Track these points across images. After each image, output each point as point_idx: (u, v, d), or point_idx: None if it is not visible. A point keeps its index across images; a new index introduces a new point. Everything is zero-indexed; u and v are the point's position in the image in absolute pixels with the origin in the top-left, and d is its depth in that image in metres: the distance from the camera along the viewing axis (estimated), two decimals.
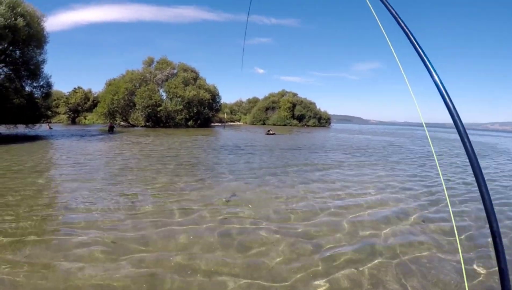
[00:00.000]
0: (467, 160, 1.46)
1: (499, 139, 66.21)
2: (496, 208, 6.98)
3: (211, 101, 63.38)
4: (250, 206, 8.25)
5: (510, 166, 19.83)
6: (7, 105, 27.78)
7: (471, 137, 1.44)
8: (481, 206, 1.36)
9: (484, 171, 1.39)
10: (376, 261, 5.43)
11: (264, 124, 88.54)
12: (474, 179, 1.41)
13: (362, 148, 27.12)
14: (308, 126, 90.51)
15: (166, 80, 60.05)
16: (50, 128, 44.19)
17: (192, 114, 58.19)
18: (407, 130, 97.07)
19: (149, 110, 55.92)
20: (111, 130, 40.42)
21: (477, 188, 1.38)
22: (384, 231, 6.95)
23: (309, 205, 8.62)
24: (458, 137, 1.51)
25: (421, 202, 9.44)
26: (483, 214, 1.39)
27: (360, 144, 31.15)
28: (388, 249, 6.00)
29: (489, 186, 1.36)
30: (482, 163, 19.72)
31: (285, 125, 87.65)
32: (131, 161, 15.63)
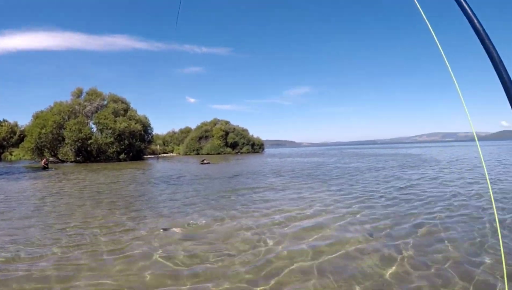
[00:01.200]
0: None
1: (425, 149, 72.70)
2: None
3: (142, 132, 63.51)
4: (180, 238, 8.33)
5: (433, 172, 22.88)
6: None
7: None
8: None
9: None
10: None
11: (198, 153, 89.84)
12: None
13: (292, 170, 28.79)
14: (242, 153, 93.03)
15: (96, 111, 59.91)
16: None
17: (123, 146, 57.83)
18: (336, 150, 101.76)
19: (79, 144, 55.09)
20: (45, 166, 38.87)
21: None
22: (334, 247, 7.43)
23: (246, 229, 9.05)
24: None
25: (363, 217, 10.37)
26: None
27: (291, 167, 33.01)
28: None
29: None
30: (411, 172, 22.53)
31: (219, 153, 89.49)
32: (64, 199, 15.11)
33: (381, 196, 13.82)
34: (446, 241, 7.46)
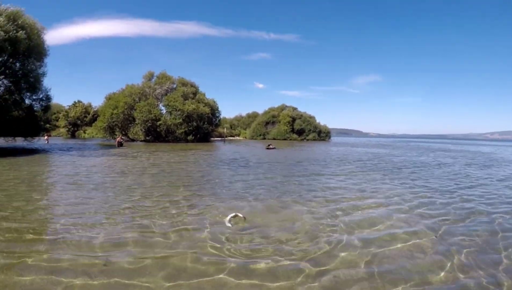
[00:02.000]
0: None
1: (496, 148, 67.40)
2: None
3: (210, 115, 63.34)
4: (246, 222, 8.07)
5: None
6: (6, 118, 27.61)
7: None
8: None
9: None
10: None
11: (264, 138, 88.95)
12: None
13: (357, 160, 27.82)
14: (308, 140, 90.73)
15: (166, 94, 60.28)
16: (47, 141, 43.68)
17: (191, 128, 58.15)
18: (404, 142, 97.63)
19: (148, 124, 55.90)
20: (120, 144, 40.21)
21: None
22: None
23: (315, 221, 8.52)
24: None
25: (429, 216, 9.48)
26: None
27: (356, 157, 31.86)
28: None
29: None
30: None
31: (285, 139, 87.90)
32: (140, 177, 15.39)
33: (446, 193, 12.87)
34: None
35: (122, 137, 45.83)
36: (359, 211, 9.55)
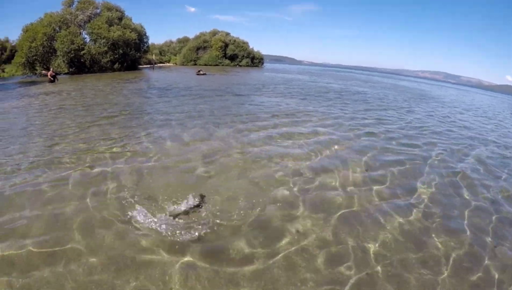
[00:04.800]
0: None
1: (417, 84, 72.82)
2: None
3: (138, 41, 61.26)
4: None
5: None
6: None
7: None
8: None
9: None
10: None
11: (195, 64, 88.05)
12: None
13: (283, 84, 30.11)
14: (240, 66, 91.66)
15: (89, 21, 56.84)
16: None
17: (117, 56, 56.13)
18: (333, 72, 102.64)
19: (71, 55, 52.82)
20: (52, 79, 35.02)
21: None
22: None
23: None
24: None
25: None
26: None
27: (283, 82, 34.29)
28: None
29: None
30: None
31: (217, 65, 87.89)
32: (57, 113, 15.74)
33: (350, 117, 15.55)
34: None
35: (54, 70, 41.30)
36: (279, 128, 10.82)
